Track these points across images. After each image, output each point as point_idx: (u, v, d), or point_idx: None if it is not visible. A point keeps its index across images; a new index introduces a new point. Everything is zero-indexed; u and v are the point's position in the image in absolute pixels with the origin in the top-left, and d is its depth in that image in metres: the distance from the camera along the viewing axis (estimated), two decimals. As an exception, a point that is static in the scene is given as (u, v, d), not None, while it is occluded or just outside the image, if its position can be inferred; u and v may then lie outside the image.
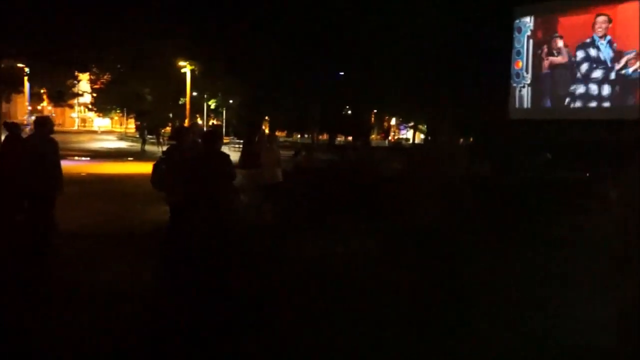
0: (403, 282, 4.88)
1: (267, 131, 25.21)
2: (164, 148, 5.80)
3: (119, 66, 32.55)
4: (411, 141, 48.49)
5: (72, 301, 4.38)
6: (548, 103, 15.81)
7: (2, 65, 24.13)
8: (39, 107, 72.15)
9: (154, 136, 36.21)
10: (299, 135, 46.04)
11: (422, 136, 48.61)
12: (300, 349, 3.59)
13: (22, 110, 52.73)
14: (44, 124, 5.90)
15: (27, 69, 26.16)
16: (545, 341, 3.70)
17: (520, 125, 16.10)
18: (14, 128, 6.78)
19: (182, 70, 29.16)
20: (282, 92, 19.43)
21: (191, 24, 17.13)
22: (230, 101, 36.99)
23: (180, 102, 36.13)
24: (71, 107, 56.97)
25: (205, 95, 37.93)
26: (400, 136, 56.21)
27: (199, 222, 4.99)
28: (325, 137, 41.03)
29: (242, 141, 26.22)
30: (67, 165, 16.90)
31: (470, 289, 4.74)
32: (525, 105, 16.41)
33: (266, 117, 24.41)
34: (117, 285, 4.82)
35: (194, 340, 3.63)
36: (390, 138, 53.64)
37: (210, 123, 58.04)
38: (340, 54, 17.73)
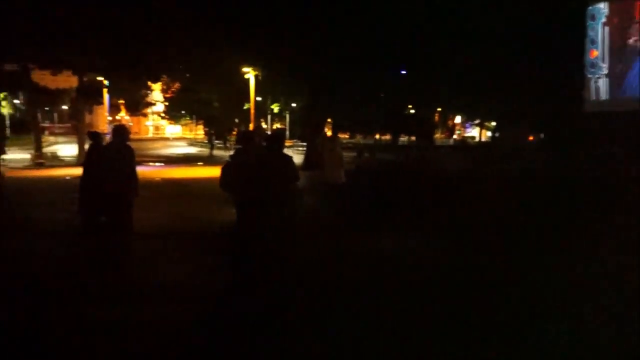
0: (471, 277, 4.88)
1: (329, 133, 25.32)
2: (231, 152, 5.99)
3: (187, 75, 34.14)
4: (477, 139, 46.90)
5: (145, 297, 4.57)
6: (627, 93, 14.97)
7: (85, 79, 26.21)
8: (117, 117, 77.20)
9: (221, 141, 37.46)
10: (361, 136, 45.89)
11: (489, 134, 46.78)
12: (375, 343, 3.59)
13: (103, 120, 56.47)
14: (121, 132, 6.32)
15: (106, 82, 28.15)
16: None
17: (595, 118, 15.06)
18: (96, 137, 7.27)
19: (246, 76, 29.99)
20: (343, 93, 19.42)
21: (254, 30, 17.62)
22: (293, 104, 37.55)
23: (245, 107, 37.25)
24: (145, 116, 60.57)
25: (269, 100, 38.81)
26: (466, 134, 54.65)
27: (264, 222, 5.10)
28: (388, 137, 40.55)
29: (304, 143, 26.45)
30: (142, 170, 17.92)
31: (546, 288, 4.66)
32: (602, 97, 15.67)
33: (328, 119, 24.47)
34: (188, 282, 4.98)
35: (262, 336, 3.72)
36: (455, 137, 52.17)
37: (274, 127, 59.43)
38: (403, 52, 17.46)
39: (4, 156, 22.71)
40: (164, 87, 50.94)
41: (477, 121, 45.89)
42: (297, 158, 22.88)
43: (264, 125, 52.98)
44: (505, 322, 3.89)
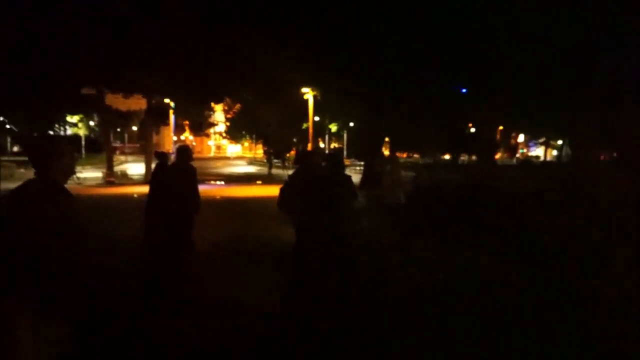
0: (533, 295, 4.70)
1: (387, 152, 25.00)
2: (290, 171, 5.96)
3: (248, 96, 35.28)
4: (542, 158, 44.82)
5: (203, 314, 4.62)
6: None
7: (153, 102, 27.72)
8: (182, 137, 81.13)
9: (280, 160, 38.13)
10: (420, 156, 45.13)
11: (555, 152, 44.55)
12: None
13: (168, 140, 59.57)
14: (184, 152, 6.53)
15: (172, 104, 29.66)
16: None
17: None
18: (162, 157, 7.39)
19: (305, 97, 30.45)
20: (401, 112, 19.06)
21: (314, 51, 17.80)
22: (351, 124, 37.60)
23: (303, 127, 37.77)
24: (208, 136, 62.96)
25: (327, 119, 39.12)
26: (530, 153, 52.73)
27: (322, 242, 5.02)
28: (447, 156, 39.61)
29: (362, 163, 26.26)
30: (204, 189, 18.35)
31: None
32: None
33: (386, 138, 24.14)
34: (247, 300, 5.04)
35: (326, 355, 3.70)
36: (518, 155, 50.34)
37: (332, 146, 59.76)
38: (463, 69, 16.75)
39: (78, 174, 24.23)
40: (226, 108, 52.79)
41: (542, 140, 44.02)
42: (355, 177, 22.51)
43: (321, 145, 53.50)
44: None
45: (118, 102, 26.24)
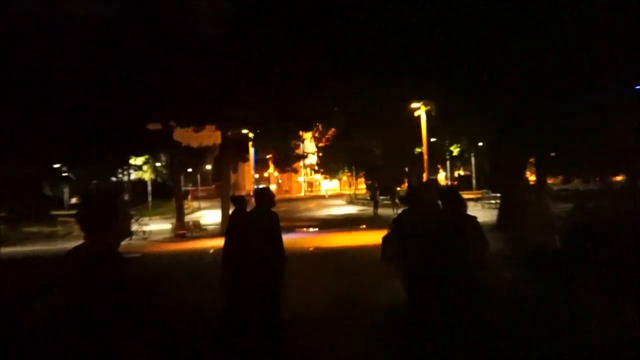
0: None
1: (532, 178, 23.81)
2: (400, 210, 6.04)
3: (343, 119, 36.14)
4: None
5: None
6: None
7: (229, 134, 29.35)
8: (265, 174, 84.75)
9: (388, 196, 38.26)
10: (580, 180, 42.40)
11: None
12: None
13: (249, 178, 62.70)
14: (263, 196, 6.85)
15: (251, 135, 31.18)
16: None
17: None
18: (239, 201, 7.91)
19: (416, 114, 30.46)
20: (544, 123, 18.08)
21: (424, 57, 17.89)
22: (480, 143, 36.64)
23: (416, 152, 37.64)
24: (296, 171, 65.17)
25: (447, 140, 38.69)
26: None
27: (442, 305, 4.96)
28: (619, 178, 36.82)
29: (498, 194, 25.39)
30: (293, 238, 18.72)
31: None
32: None
33: (530, 159, 22.94)
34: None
35: None
36: None
37: (456, 174, 58.41)
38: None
39: (144, 227, 26.13)
40: (317, 135, 54.57)
41: None
42: (488, 214, 21.80)
43: (441, 174, 52.84)
44: None
45: (188, 137, 28.23)
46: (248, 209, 7.65)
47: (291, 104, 24.43)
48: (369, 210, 37.38)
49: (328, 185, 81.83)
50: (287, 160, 46.19)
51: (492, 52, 16.57)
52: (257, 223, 6.83)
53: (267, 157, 52.42)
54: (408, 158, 38.77)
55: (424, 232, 5.35)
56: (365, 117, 32.74)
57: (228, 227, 7.83)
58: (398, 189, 37.86)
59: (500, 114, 18.72)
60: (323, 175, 66.19)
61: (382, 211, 33.50)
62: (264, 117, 25.99)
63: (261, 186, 7.53)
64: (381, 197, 37.11)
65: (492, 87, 17.78)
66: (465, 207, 5.27)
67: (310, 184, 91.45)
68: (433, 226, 5.29)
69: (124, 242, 2.94)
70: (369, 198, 40.85)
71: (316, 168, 63.18)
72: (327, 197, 65.02)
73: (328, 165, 55.27)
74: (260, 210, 6.88)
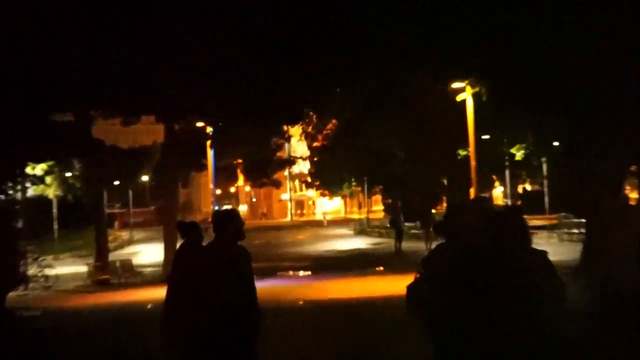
0: None
1: (633, 196, 23.94)
2: (435, 244, 6.11)
3: (350, 107, 36.05)
4: None
5: None
6: None
7: (176, 128, 29.28)
8: (231, 190, 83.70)
9: (417, 223, 38.08)
10: None
11: None
12: None
13: (207, 196, 62.38)
14: (225, 222, 6.87)
15: (210, 130, 31.08)
16: None
17: None
18: (191, 231, 7.92)
19: (459, 98, 30.51)
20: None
21: (469, 22, 18.21)
22: (555, 143, 36.64)
23: (459, 156, 37.61)
24: (279, 185, 65.02)
25: (505, 139, 38.74)
26: None
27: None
28: None
29: (581, 220, 25.73)
30: (273, 286, 18.71)
31: None
32: None
33: (631, 168, 23.12)
34: None
35: None
36: None
37: (520, 189, 58.07)
38: None
39: (46, 271, 25.98)
40: (309, 130, 54.29)
41: None
42: (567, 249, 22.07)
43: (498, 190, 52.62)
44: None
45: (115, 133, 28.12)
46: (204, 242, 7.68)
47: (270, 84, 24.29)
48: (388, 243, 37.43)
49: (327, 205, 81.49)
50: (265, 169, 46.31)
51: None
52: (218, 264, 6.87)
53: (235, 163, 52.03)
54: (447, 165, 38.73)
55: (467, 279, 5.41)
56: (382, 104, 32.74)
57: (174, 270, 7.84)
58: (433, 211, 37.85)
59: (572, 100, 19.00)
60: (319, 191, 66.20)
61: (408, 245, 33.62)
62: (230, 104, 25.83)
63: (225, 207, 7.64)
64: (406, 224, 37.13)
65: (558, 60, 18.05)
66: (529, 239, 5.30)
67: (299, 204, 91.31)
68: (480, 269, 5.35)
69: (15, 293, 2.96)
70: (388, 225, 40.76)
71: (309, 180, 63.15)
72: (325, 223, 65.12)
73: (327, 175, 54.99)
74: (223, 245, 6.92)
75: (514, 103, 24.27)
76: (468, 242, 5.52)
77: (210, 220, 8.94)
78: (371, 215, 56.99)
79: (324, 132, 51.43)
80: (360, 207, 67.04)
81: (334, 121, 47.56)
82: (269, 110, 27.13)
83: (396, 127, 37.18)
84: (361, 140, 41.27)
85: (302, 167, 63.70)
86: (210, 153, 36.49)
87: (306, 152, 59.86)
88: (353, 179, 55.18)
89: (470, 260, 5.36)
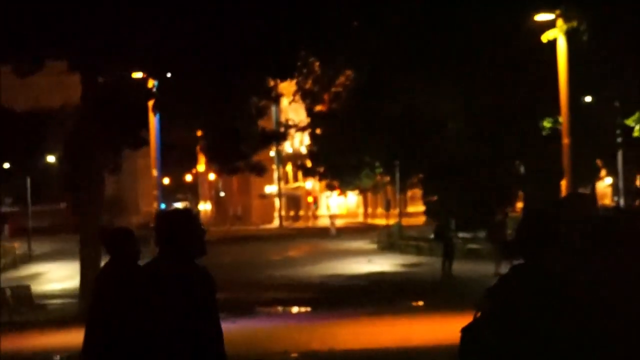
0: None
1: None
2: (504, 267, 6.19)
3: (372, 49, 35.92)
4: None
5: None
6: None
7: (100, 81, 29.43)
8: (187, 178, 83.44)
9: (478, 233, 37.94)
10: None
11: None
12: None
13: (148, 188, 62.59)
14: (175, 229, 6.87)
15: (153, 83, 31.20)
16: None
17: None
18: (120, 242, 8.15)
19: (545, 38, 30.55)
20: None
21: None
22: None
23: (543, 130, 37.60)
24: (261, 172, 64.97)
25: (617, 104, 38.69)
26: None
27: None
28: None
29: None
30: (252, 329, 19.00)
31: None
32: None
33: None
34: None
35: None
36: None
37: (639, 183, 58.13)
38: None
39: None
40: (309, 86, 53.85)
41: None
42: None
43: (605, 181, 52.59)
44: None
45: (5, 91, 28.18)
46: (143, 261, 7.72)
47: (246, 11, 24.40)
48: (431, 264, 37.65)
49: (336, 204, 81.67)
50: (239, 146, 46.20)
51: None
52: (164, 295, 6.90)
53: (193, 137, 52.13)
54: (526, 144, 38.86)
55: (558, 318, 5.51)
56: (426, 47, 32.86)
57: (96, 304, 7.95)
58: (503, 215, 37.84)
59: None
60: (324, 182, 67.56)
61: (462, 267, 34.03)
62: (183, 42, 26.04)
63: (175, 206, 7.64)
64: (461, 235, 37.32)
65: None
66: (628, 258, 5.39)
67: (293, 202, 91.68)
68: (575, 304, 5.44)
69: None
70: (432, 236, 40.90)
71: (307, 164, 63.11)
72: (333, 232, 66.18)
73: (336, 157, 55.00)
74: (171, 265, 6.94)
75: (632, 45, 24.33)
76: (556, 266, 5.58)
77: (153, 225, 8.93)
78: (405, 221, 57.36)
79: (332, 89, 51.60)
80: (388, 207, 66.92)
81: (348, 73, 47.61)
82: (245, 54, 27.29)
83: (448, 84, 37.15)
84: (391, 103, 41.31)
85: (298, 143, 63.71)
86: (153, 121, 36.53)
87: (304, 121, 59.87)
88: (377, 164, 56.21)
89: (559, 294, 5.42)
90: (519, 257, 5.94)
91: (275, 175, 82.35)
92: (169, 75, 30.94)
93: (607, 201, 51.09)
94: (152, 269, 7.21)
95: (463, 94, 37.69)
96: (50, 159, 42.85)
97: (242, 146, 46.25)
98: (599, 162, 46.77)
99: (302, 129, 61.38)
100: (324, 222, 75.63)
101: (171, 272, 7.01)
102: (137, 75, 30.56)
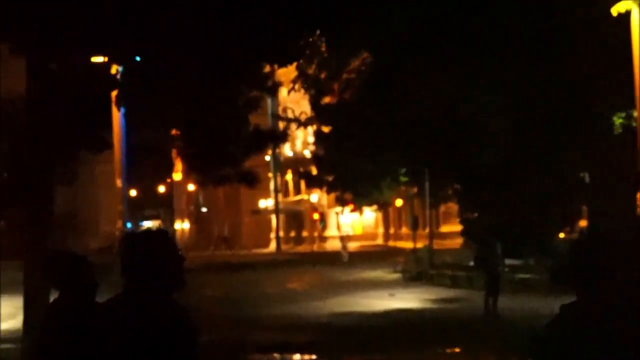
0: None
1: None
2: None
3: (392, 28, 36.10)
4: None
5: None
6: None
7: (51, 67, 29.54)
8: (160, 189, 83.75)
9: (528, 258, 37.91)
10: None
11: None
12: None
13: (112, 201, 63.23)
14: (145, 255, 6.80)
15: (116, 70, 31.36)
16: None
17: None
18: (74, 273, 8.20)
19: (616, 10, 30.61)
20: None
21: None
22: None
23: (614, 127, 37.65)
24: (252, 182, 65.05)
25: None
26: None
27: None
28: None
29: None
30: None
31: None
32: None
33: None
34: None
35: None
36: None
37: None
38: None
39: None
40: (312, 70, 54.02)
41: None
42: None
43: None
44: None
45: None
46: (103, 296, 7.71)
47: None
48: (471, 298, 37.80)
49: (349, 221, 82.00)
50: (226, 150, 46.42)
51: None
52: (133, 341, 6.86)
53: (167, 137, 52.31)
54: (590, 146, 38.98)
55: None
56: (463, 19, 33.00)
57: (41, 350, 7.99)
58: (561, 236, 37.95)
59: None
60: (332, 194, 67.91)
61: (510, 303, 34.05)
62: (155, 20, 26.18)
63: (146, 226, 7.60)
64: (509, 263, 37.50)
65: None
66: None
67: (294, 220, 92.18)
68: None
69: None
70: (472, 263, 41.06)
71: (313, 172, 63.40)
72: (345, 257, 67.14)
73: (348, 163, 55.21)
74: (142, 301, 6.91)
75: None
76: (624, 301, 5.58)
77: (119, 248, 8.84)
78: (437, 243, 57.26)
79: (343, 76, 51.79)
80: (415, 226, 66.96)
81: (365, 55, 47.78)
82: (232, 32, 27.46)
83: (492, 70, 37.22)
84: (419, 94, 41.43)
85: (300, 145, 64.06)
86: (117, 118, 36.75)
87: (308, 116, 60.03)
88: (402, 172, 56.34)
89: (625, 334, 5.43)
90: (571, 288, 5.95)
91: (272, 185, 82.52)
92: (137, 58, 31.08)
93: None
94: (114, 308, 7.16)
95: (513, 83, 37.65)
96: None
97: (230, 149, 46.46)
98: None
99: (305, 126, 61.23)
100: (333, 245, 76.03)
101: (140, 311, 6.96)
102: (97, 59, 30.71)
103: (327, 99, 55.04)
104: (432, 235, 57.71)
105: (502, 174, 42.79)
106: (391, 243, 75.68)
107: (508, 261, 37.86)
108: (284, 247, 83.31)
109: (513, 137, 41.47)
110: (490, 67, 36.91)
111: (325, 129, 56.90)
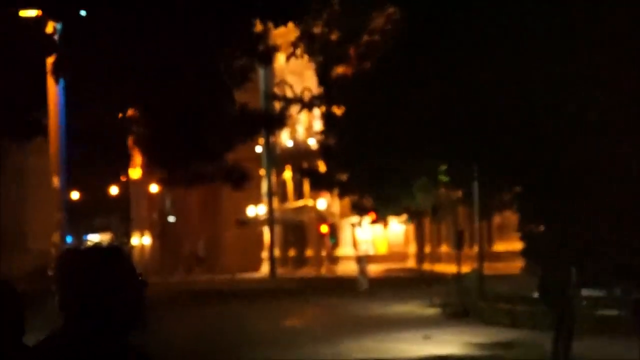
0: None
1: None
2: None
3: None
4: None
5: None
6: None
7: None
8: (112, 191, 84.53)
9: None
10: None
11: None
12: None
13: (47, 208, 63.64)
14: (85, 282, 6.74)
15: (53, 26, 31.51)
16: None
17: None
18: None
19: None
20: None
21: None
22: None
23: None
24: (240, 181, 65.69)
25: None
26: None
27: None
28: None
29: None
30: None
31: None
32: None
33: None
34: None
35: None
36: None
37: None
38: None
39: None
40: (319, 30, 54.28)
41: None
42: None
43: None
44: None
45: None
46: (34, 336, 7.68)
47: None
48: (534, 341, 38.05)
49: (369, 235, 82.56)
50: (200, 139, 46.61)
51: None
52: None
53: (121, 120, 52.53)
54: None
55: None
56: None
57: None
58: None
59: None
60: (345, 199, 68.40)
61: (590, 346, 34.66)
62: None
63: (92, 241, 7.54)
64: (587, 294, 37.69)
65: None
66: None
67: (295, 233, 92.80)
68: None
69: None
70: (538, 295, 41.29)
71: (320, 169, 63.83)
72: (364, 285, 67.52)
73: (367, 157, 55.37)
74: (88, 343, 6.83)
75: None
76: None
77: (55, 271, 8.73)
78: (490, 267, 57.22)
79: (363, 39, 51.97)
80: (460, 243, 66.94)
81: (390, 10, 47.98)
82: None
83: (567, 34, 37.30)
84: (466, 64, 41.49)
85: (303, 132, 64.61)
86: (54, 93, 36.78)
87: (313, 92, 60.31)
88: (442, 169, 56.36)
89: None
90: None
91: (265, 186, 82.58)
92: (81, 12, 31.20)
93: None
94: (48, 354, 7.07)
95: (598, 55, 37.68)
96: None
97: (208, 136, 46.67)
98: None
99: (309, 107, 61.31)
100: (347, 268, 76.32)
101: (84, 357, 6.87)
102: (28, 13, 30.87)
103: (339, 70, 55.13)
104: (483, 257, 57.75)
105: (586, 174, 42.69)
106: (427, 266, 75.87)
107: (586, 292, 37.98)
108: (280, 270, 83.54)
109: (596, 121, 41.54)
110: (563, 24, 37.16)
111: (338, 111, 56.83)
